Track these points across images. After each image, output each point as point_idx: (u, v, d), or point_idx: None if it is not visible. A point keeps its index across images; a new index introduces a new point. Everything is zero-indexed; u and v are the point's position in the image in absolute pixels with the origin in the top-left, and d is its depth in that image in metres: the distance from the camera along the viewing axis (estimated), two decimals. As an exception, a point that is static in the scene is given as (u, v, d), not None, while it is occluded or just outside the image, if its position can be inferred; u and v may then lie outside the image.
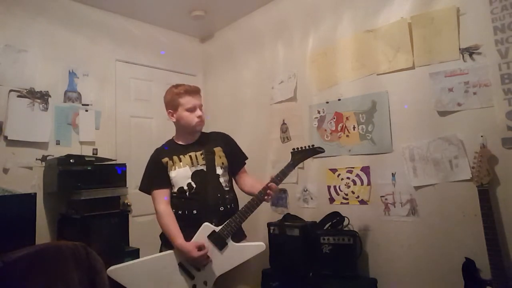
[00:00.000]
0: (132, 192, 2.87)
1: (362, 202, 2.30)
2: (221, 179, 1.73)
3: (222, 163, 1.76)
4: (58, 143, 2.63)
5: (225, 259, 1.58)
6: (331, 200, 2.46)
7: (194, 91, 1.76)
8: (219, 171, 1.73)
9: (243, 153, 1.90)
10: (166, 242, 1.69)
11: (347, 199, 2.38)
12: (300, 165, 2.63)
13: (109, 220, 2.46)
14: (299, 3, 2.79)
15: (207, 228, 1.60)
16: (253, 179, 1.84)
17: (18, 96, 2.47)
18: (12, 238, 1.98)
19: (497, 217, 1.70)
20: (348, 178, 2.38)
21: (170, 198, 1.74)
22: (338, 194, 2.43)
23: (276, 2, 2.98)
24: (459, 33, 1.91)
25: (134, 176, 2.93)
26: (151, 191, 1.75)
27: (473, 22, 1.87)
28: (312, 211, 2.54)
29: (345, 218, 2.29)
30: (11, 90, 2.44)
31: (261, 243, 1.62)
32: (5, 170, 2.37)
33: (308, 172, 2.61)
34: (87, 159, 2.48)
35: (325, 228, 2.28)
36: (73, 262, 1.94)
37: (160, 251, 1.73)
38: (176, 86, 1.79)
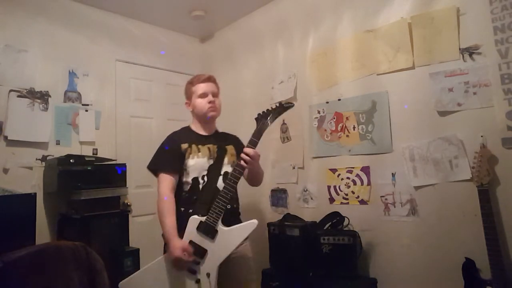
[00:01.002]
0: (132, 192, 2.88)
1: (362, 202, 2.30)
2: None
3: (233, 162, 1.76)
4: (58, 143, 2.63)
5: (220, 246, 1.56)
6: (331, 200, 2.46)
7: (206, 78, 1.81)
8: (228, 168, 1.73)
9: None
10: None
11: (347, 199, 2.38)
12: (300, 164, 2.66)
13: (109, 220, 2.46)
14: (299, 3, 2.79)
15: (194, 221, 1.59)
16: None
17: (18, 96, 2.47)
18: (12, 238, 1.98)
19: (497, 217, 1.70)
20: (348, 178, 2.38)
21: (180, 193, 1.71)
22: (338, 194, 2.43)
23: (276, 2, 2.98)
24: (459, 33, 1.91)
25: (134, 176, 2.94)
26: (159, 173, 1.71)
27: (473, 22, 1.87)
28: (312, 211, 2.54)
29: (345, 218, 2.29)
30: (11, 90, 2.44)
31: (253, 220, 1.58)
32: (5, 170, 2.37)
33: (308, 172, 2.61)
34: (87, 159, 2.48)
35: (325, 228, 2.28)
36: (73, 262, 1.94)
37: (164, 250, 1.72)
38: (192, 78, 1.87)
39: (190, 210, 1.65)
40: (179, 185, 1.73)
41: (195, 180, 1.69)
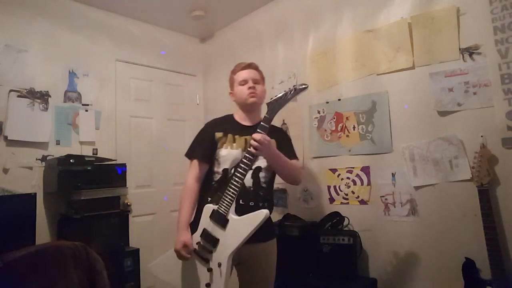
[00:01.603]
0: (132, 192, 2.88)
1: (362, 202, 2.30)
2: (261, 174, 1.67)
3: None
4: (58, 143, 2.63)
5: (231, 235, 1.53)
6: (331, 200, 2.46)
7: (247, 65, 1.79)
8: (262, 163, 1.66)
9: (294, 152, 1.82)
10: (191, 228, 1.65)
11: (347, 199, 2.38)
12: (300, 164, 2.65)
13: (109, 220, 2.46)
14: (299, 3, 2.78)
15: (207, 209, 1.58)
16: None
17: (18, 96, 2.47)
18: (12, 238, 1.98)
19: (497, 217, 1.70)
20: (348, 178, 2.38)
21: (210, 180, 1.68)
22: (338, 194, 2.43)
23: (276, 2, 2.98)
24: (459, 33, 1.91)
25: (134, 176, 2.95)
26: (191, 159, 1.71)
27: (473, 22, 1.87)
28: (312, 211, 2.54)
29: (345, 218, 2.29)
30: (11, 90, 2.44)
31: (265, 210, 1.52)
32: (5, 170, 2.37)
33: (308, 172, 2.61)
34: (87, 159, 2.48)
35: (325, 228, 2.28)
36: (73, 262, 1.94)
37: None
38: (235, 66, 1.84)
39: (209, 199, 1.62)
40: (209, 175, 1.69)
41: (226, 171, 1.64)
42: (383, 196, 2.20)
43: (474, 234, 1.74)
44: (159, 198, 3.12)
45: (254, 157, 1.54)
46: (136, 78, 3.22)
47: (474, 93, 1.85)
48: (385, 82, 2.22)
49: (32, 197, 2.20)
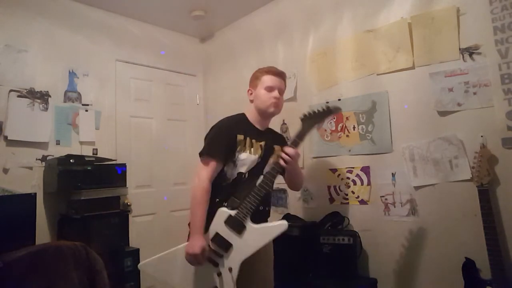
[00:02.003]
0: (132, 192, 2.88)
1: (362, 202, 2.30)
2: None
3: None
4: (58, 143, 2.63)
5: (246, 243, 1.51)
6: (331, 200, 2.46)
7: (278, 73, 1.72)
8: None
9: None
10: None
11: (347, 199, 2.38)
12: (300, 164, 2.65)
13: (109, 220, 2.46)
14: (299, 3, 2.79)
15: (222, 213, 1.54)
16: None
17: (18, 96, 2.47)
18: (12, 238, 1.98)
19: (497, 217, 1.70)
20: (348, 178, 2.38)
21: (222, 181, 1.64)
22: (338, 194, 2.43)
23: (276, 2, 2.98)
24: (459, 33, 1.91)
25: (134, 176, 2.95)
26: (209, 159, 1.60)
27: (473, 22, 1.87)
28: (312, 211, 2.54)
29: (345, 218, 2.29)
30: (11, 90, 2.44)
31: (284, 221, 1.52)
32: (5, 170, 2.37)
33: (308, 172, 2.61)
34: (87, 159, 2.49)
35: (325, 228, 2.28)
36: (73, 262, 1.94)
37: (189, 238, 1.69)
38: (261, 67, 1.78)
39: (225, 203, 1.59)
40: (221, 175, 1.64)
41: (240, 174, 1.63)
42: (383, 196, 2.20)
43: (474, 234, 1.74)
44: (159, 198, 3.12)
45: (281, 169, 1.58)
46: (136, 78, 3.22)
47: (474, 93, 1.85)
48: (385, 82, 2.22)
49: (32, 197, 2.20)
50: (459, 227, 1.87)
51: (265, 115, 1.73)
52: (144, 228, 2.93)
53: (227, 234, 1.53)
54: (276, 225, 1.53)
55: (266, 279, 1.73)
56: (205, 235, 1.55)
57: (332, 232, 2.19)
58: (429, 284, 1.97)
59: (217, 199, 1.61)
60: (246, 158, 1.62)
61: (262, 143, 1.68)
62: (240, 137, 1.64)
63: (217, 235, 1.55)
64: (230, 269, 1.51)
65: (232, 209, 1.55)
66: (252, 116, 1.76)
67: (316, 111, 1.57)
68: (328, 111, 1.57)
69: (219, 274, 1.53)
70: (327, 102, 2.52)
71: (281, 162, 1.53)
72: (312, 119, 1.56)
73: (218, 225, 1.55)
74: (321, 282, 2.08)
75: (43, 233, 2.43)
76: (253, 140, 1.66)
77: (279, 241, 2.31)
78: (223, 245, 1.53)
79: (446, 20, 1.96)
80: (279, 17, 2.93)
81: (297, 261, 2.21)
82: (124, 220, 2.60)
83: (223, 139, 1.63)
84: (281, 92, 1.72)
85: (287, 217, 2.49)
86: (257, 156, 1.65)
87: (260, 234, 1.53)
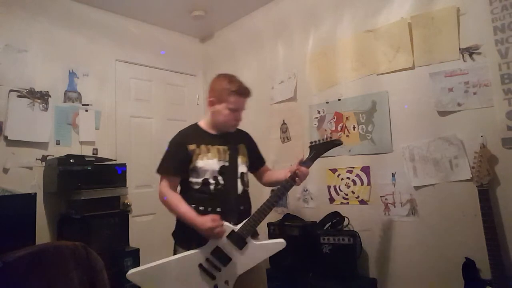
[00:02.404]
0: (132, 192, 2.88)
1: (362, 202, 2.30)
2: (245, 178, 1.71)
3: (246, 162, 1.74)
4: (58, 143, 2.63)
5: (246, 258, 1.55)
6: (331, 200, 2.46)
7: (245, 94, 1.69)
8: (243, 169, 1.71)
9: (262, 155, 1.91)
10: (180, 241, 1.65)
11: (347, 199, 2.38)
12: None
13: (109, 220, 2.46)
14: (299, 3, 2.79)
15: (226, 228, 1.55)
16: (274, 170, 1.86)
17: (18, 96, 2.47)
18: (12, 238, 1.98)
19: (497, 217, 1.70)
20: (348, 178, 2.38)
21: (189, 191, 1.67)
22: (338, 194, 2.43)
23: (276, 2, 2.98)
24: (459, 33, 1.91)
25: (134, 176, 2.94)
26: (165, 175, 1.69)
27: (473, 22, 1.87)
28: (312, 211, 2.54)
29: (345, 218, 2.29)
30: (11, 90, 2.44)
31: (282, 240, 1.59)
32: (5, 170, 2.37)
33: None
34: (87, 159, 2.49)
35: (325, 228, 2.28)
36: (73, 262, 1.94)
37: (174, 250, 1.68)
38: (230, 80, 1.69)
39: (201, 208, 1.61)
40: (188, 184, 1.67)
41: (206, 180, 1.64)
42: (383, 196, 2.20)
43: (474, 234, 1.74)
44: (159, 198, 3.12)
45: (292, 187, 1.65)
46: (136, 78, 3.22)
47: (474, 93, 1.85)
48: (385, 82, 2.22)
49: (32, 197, 2.20)
50: (459, 227, 1.87)
51: (223, 128, 1.74)
52: (144, 228, 2.93)
53: (228, 248, 1.55)
54: (275, 243, 1.62)
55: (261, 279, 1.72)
56: (205, 249, 1.56)
57: (332, 232, 2.19)
58: (429, 284, 1.97)
59: (193, 205, 1.62)
60: (205, 164, 1.64)
61: (220, 147, 1.69)
62: (191, 147, 1.66)
63: (217, 248, 1.56)
64: (227, 282, 1.54)
65: (234, 223, 1.57)
66: (206, 124, 1.78)
67: (323, 141, 1.68)
68: (333, 144, 1.68)
69: (215, 287, 1.55)
70: (327, 102, 2.52)
71: (297, 180, 1.63)
72: (318, 148, 1.69)
73: (220, 239, 1.55)
74: (321, 282, 2.08)
75: (43, 233, 2.43)
76: (209, 146, 1.68)
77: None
78: (222, 259, 1.55)
79: (446, 20, 1.96)
80: (279, 17, 2.93)
81: (297, 261, 2.21)
82: (124, 220, 2.60)
83: (172, 155, 1.70)
84: (243, 110, 1.74)
85: (287, 217, 2.49)
86: (215, 159, 1.65)
87: (260, 251, 1.59)
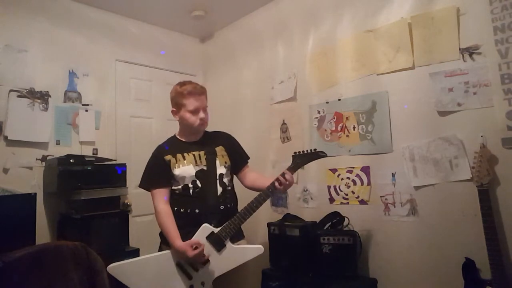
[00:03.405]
0: (132, 192, 2.88)
1: (362, 202, 2.30)
2: (225, 179, 1.75)
3: (225, 162, 1.77)
4: (58, 143, 2.63)
5: (223, 261, 1.58)
6: (331, 200, 2.46)
7: (198, 92, 1.73)
8: (222, 170, 1.74)
9: (245, 152, 1.93)
10: (165, 241, 1.69)
11: (347, 199, 2.38)
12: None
13: (109, 220, 2.46)
14: (299, 3, 2.78)
15: (206, 229, 1.60)
16: (261, 175, 1.86)
17: (18, 96, 2.47)
18: (12, 238, 1.98)
19: (497, 217, 1.70)
20: (348, 178, 2.38)
21: (172, 196, 1.74)
22: (338, 194, 2.43)
23: (276, 2, 2.98)
24: (459, 33, 1.91)
25: (134, 176, 2.93)
26: (151, 189, 1.75)
27: (473, 22, 1.87)
28: (312, 211, 2.54)
29: (345, 218, 2.29)
30: (11, 90, 2.44)
31: (260, 246, 1.62)
32: (5, 170, 2.37)
33: (308, 172, 2.61)
34: (87, 159, 2.49)
35: (325, 228, 2.28)
36: (73, 262, 1.94)
37: (159, 249, 1.73)
38: (181, 84, 1.76)
39: (182, 210, 1.69)
40: (172, 191, 1.75)
41: (185, 186, 1.71)
42: (383, 196, 2.20)
43: (474, 234, 1.74)
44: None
45: (274, 193, 1.66)
46: (136, 78, 3.22)
47: (474, 93, 1.85)
48: (385, 82, 2.22)
49: (32, 197, 2.20)
50: (459, 227, 1.87)
51: (194, 132, 1.80)
52: (144, 228, 2.92)
53: (207, 250, 1.57)
54: (253, 248, 1.63)
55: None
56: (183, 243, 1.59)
57: (332, 232, 2.19)
58: (429, 284, 1.97)
59: (175, 208, 1.71)
60: (181, 172, 1.70)
61: (195, 152, 1.74)
62: (167, 157, 1.73)
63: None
64: (203, 283, 1.57)
65: (215, 226, 1.61)
66: (181, 133, 1.84)
67: (306, 152, 1.71)
68: (317, 155, 1.72)
69: (191, 287, 1.57)
70: (327, 102, 2.52)
71: (277, 184, 1.61)
72: (301, 158, 1.70)
73: (200, 239, 1.58)
74: (321, 282, 2.08)
75: (43, 233, 2.43)
76: (184, 154, 1.73)
77: (279, 241, 2.33)
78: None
79: (446, 20, 1.95)
80: (279, 17, 2.93)
81: (297, 261, 2.21)
82: (124, 220, 2.59)
83: (152, 169, 1.78)
84: (205, 108, 1.77)
85: (287, 217, 2.49)
86: (191, 165, 1.71)
87: (238, 254, 1.60)
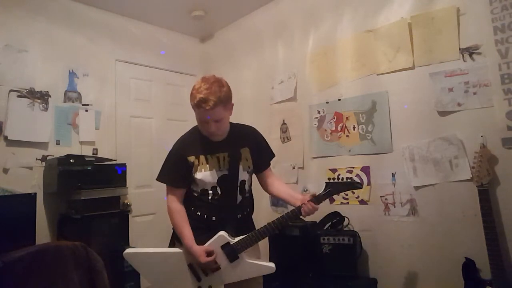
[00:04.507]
0: (132, 192, 2.88)
1: (362, 202, 2.30)
2: (246, 186, 1.68)
3: (248, 167, 1.68)
4: (58, 143, 2.63)
5: (234, 272, 1.57)
6: (331, 200, 2.46)
7: (200, 106, 1.53)
8: (244, 176, 1.66)
9: (270, 150, 1.81)
10: (177, 236, 1.65)
11: (347, 199, 2.38)
12: (300, 164, 2.66)
13: (109, 220, 2.46)
14: (299, 3, 2.78)
15: (222, 238, 1.57)
16: (282, 183, 1.78)
17: (18, 96, 2.47)
18: (12, 238, 1.98)
19: (497, 217, 1.70)
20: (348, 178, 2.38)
21: (190, 195, 1.67)
22: (338, 194, 2.43)
23: (276, 2, 2.98)
24: (459, 33, 1.91)
25: (134, 176, 2.94)
26: (168, 186, 1.67)
27: (473, 22, 1.87)
28: (312, 211, 2.53)
29: (345, 218, 2.29)
30: (11, 90, 2.44)
31: (272, 264, 1.59)
32: (5, 170, 2.37)
33: (308, 172, 2.61)
34: (87, 159, 2.48)
35: (325, 228, 2.28)
36: (73, 262, 1.94)
37: (171, 244, 1.71)
38: (192, 93, 1.58)
39: (199, 213, 1.63)
40: (190, 190, 1.67)
41: (204, 190, 1.64)
42: (383, 196, 2.20)
43: (474, 234, 1.74)
44: (159, 198, 3.09)
45: (297, 218, 1.59)
46: (136, 78, 3.22)
47: (474, 93, 1.85)
48: (385, 82, 2.22)
49: (32, 197, 2.20)
50: (459, 227, 1.87)
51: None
52: (144, 228, 2.93)
53: (220, 257, 1.56)
54: (266, 266, 1.61)
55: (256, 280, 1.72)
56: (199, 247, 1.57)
57: (332, 232, 2.19)
58: (429, 284, 1.97)
59: (192, 208, 1.65)
60: (202, 177, 1.61)
61: (220, 154, 1.63)
62: (191, 158, 1.62)
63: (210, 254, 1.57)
64: (211, 287, 1.57)
65: (230, 235, 1.58)
66: None
67: (342, 181, 1.61)
68: (352, 186, 1.59)
69: None
70: (327, 102, 2.52)
71: (303, 213, 1.54)
72: (335, 187, 1.58)
73: (214, 246, 1.57)
74: (321, 282, 2.08)
75: (43, 233, 2.43)
76: (208, 156, 1.63)
77: (279, 241, 2.32)
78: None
79: (446, 20, 1.96)
80: (279, 17, 2.93)
81: (297, 261, 2.21)
82: (124, 220, 2.60)
83: (173, 166, 1.66)
84: (219, 119, 1.56)
85: (287, 217, 2.49)
86: (214, 170, 1.62)
87: (249, 269, 1.59)
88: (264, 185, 1.79)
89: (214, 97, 1.51)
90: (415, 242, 2.04)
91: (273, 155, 1.81)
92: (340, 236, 2.14)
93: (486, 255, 1.62)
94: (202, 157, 1.63)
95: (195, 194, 1.66)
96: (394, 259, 2.12)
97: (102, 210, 2.42)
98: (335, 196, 2.44)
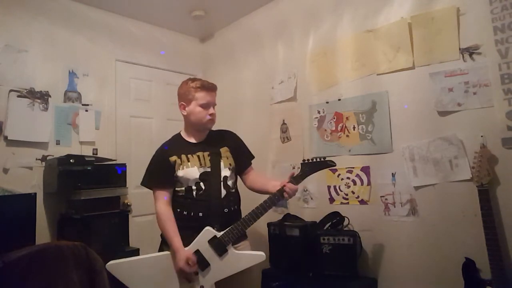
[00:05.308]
0: (132, 192, 2.88)
1: (362, 202, 2.30)
2: (229, 182, 1.72)
3: (230, 164, 1.74)
4: (58, 143, 2.63)
5: (224, 266, 1.57)
6: (331, 200, 2.46)
7: (210, 88, 1.75)
8: (226, 172, 1.72)
9: (250, 152, 1.90)
10: (166, 241, 1.68)
11: (347, 199, 2.38)
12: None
13: (109, 220, 2.46)
14: (299, 3, 2.78)
15: (208, 232, 1.58)
16: (263, 176, 1.85)
17: (18, 96, 2.47)
18: (12, 238, 1.98)
19: (497, 217, 1.70)
20: (348, 178, 2.38)
21: (175, 197, 1.72)
22: (338, 194, 2.43)
23: (276, 2, 2.98)
24: (459, 33, 1.91)
25: (134, 176, 2.93)
26: (153, 189, 1.74)
27: (473, 22, 1.87)
28: (312, 211, 2.54)
29: (345, 218, 2.29)
30: (11, 90, 2.44)
31: (262, 253, 1.60)
32: (5, 170, 2.37)
33: (308, 172, 2.60)
34: (87, 159, 2.48)
35: (325, 228, 2.28)
36: (73, 262, 1.94)
37: (160, 249, 1.72)
38: (193, 80, 1.77)
39: (185, 212, 1.67)
40: (175, 192, 1.73)
41: (188, 188, 1.68)
42: (383, 196, 2.20)
43: (474, 234, 1.74)
44: (159, 198, 3.12)
45: (280, 201, 1.66)
46: (136, 78, 3.22)
47: (474, 93, 1.85)
48: (385, 82, 2.22)
49: (32, 197, 2.20)
50: (459, 227, 1.87)
51: (201, 128, 1.77)
52: (144, 228, 2.92)
53: (208, 253, 1.57)
54: (255, 255, 1.61)
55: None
56: (185, 249, 1.59)
57: (332, 232, 2.19)
58: (429, 284, 1.97)
59: (178, 210, 1.70)
60: (185, 173, 1.68)
61: (200, 153, 1.72)
62: (172, 158, 1.70)
63: (197, 252, 1.58)
64: (202, 287, 1.56)
65: (217, 229, 1.59)
66: (186, 131, 1.81)
67: (315, 160, 1.70)
68: (326, 164, 1.70)
69: None
70: (327, 102, 2.52)
71: (285, 195, 1.63)
72: (310, 167, 1.69)
73: (201, 243, 1.58)
74: (321, 282, 2.08)
75: (43, 233, 2.43)
76: (189, 155, 1.71)
77: (279, 241, 2.33)
78: (201, 263, 1.57)
79: (446, 20, 1.96)
80: (279, 17, 2.93)
81: (297, 261, 2.21)
82: (124, 220, 2.60)
83: (156, 168, 1.75)
84: (214, 105, 1.77)
85: (287, 217, 2.49)
86: (195, 167, 1.68)
87: (239, 260, 1.59)
88: (250, 185, 1.83)
89: (213, 83, 1.76)
90: (415, 242, 2.04)
91: (253, 156, 1.89)
92: (340, 236, 2.14)
93: (486, 255, 1.62)
94: (183, 156, 1.70)
95: (180, 194, 1.69)
96: (394, 259, 2.12)
97: (102, 210, 2.42)
98: (335, 196, 2.45)
